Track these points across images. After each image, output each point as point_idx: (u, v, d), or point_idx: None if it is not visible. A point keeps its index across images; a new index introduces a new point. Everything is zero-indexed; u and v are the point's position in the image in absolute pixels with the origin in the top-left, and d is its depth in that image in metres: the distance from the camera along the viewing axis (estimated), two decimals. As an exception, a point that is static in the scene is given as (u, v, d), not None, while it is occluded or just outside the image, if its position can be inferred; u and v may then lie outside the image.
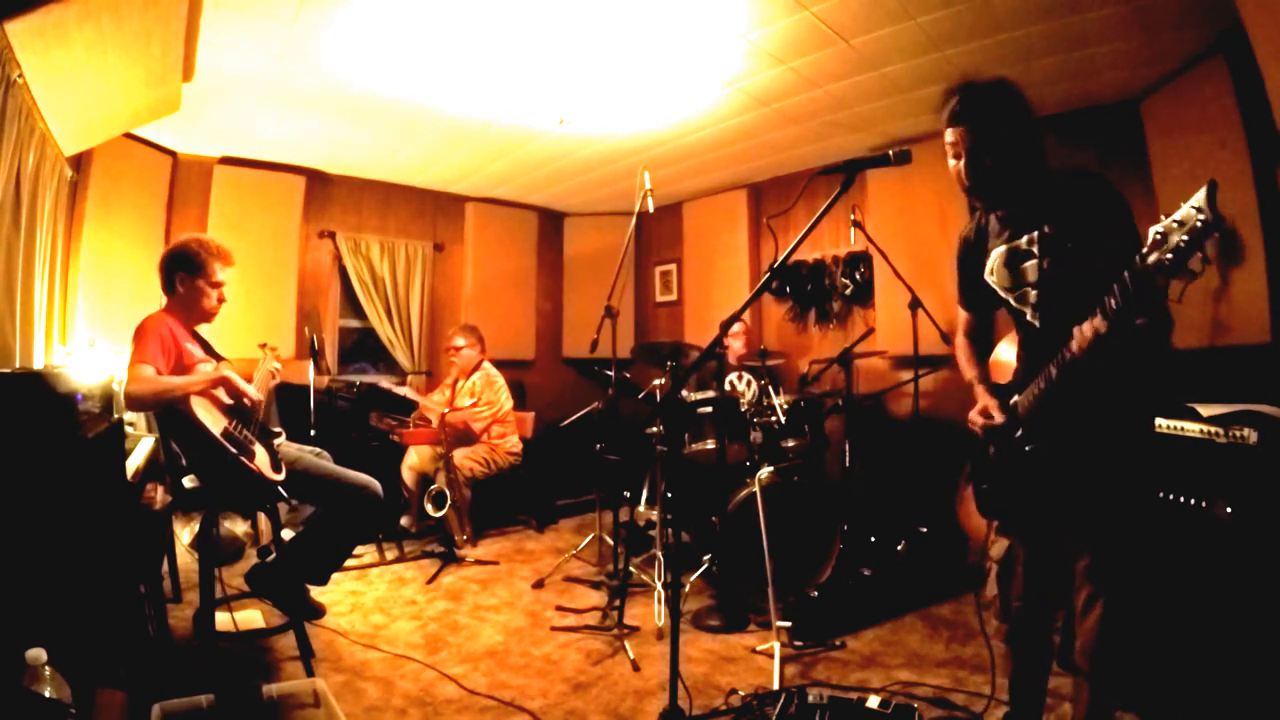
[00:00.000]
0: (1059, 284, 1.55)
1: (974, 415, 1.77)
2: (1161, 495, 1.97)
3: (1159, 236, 1.21)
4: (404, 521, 4.18)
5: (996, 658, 1.95)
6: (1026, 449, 1.63)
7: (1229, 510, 1.80)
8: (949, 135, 1.61)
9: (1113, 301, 1.31)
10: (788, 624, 2.62)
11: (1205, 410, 1.93)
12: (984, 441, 1.77)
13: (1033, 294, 1.62)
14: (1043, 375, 1.54)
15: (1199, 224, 1.15)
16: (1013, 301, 1.68)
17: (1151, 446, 1.77)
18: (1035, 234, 1.59)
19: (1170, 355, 1.52)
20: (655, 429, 3.34)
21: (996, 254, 1.68)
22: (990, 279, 1.72)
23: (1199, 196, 1.16)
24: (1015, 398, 1.67)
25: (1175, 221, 1.18)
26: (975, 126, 1.56)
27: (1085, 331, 1.37)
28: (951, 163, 1.63)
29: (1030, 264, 1.61)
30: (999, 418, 1.68)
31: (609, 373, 3.46)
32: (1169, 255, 1.19)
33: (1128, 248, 1.31)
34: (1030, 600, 1.76)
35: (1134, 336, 1.37)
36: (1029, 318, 1.65)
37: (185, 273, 2.44)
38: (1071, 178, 1.57)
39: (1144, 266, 1.23)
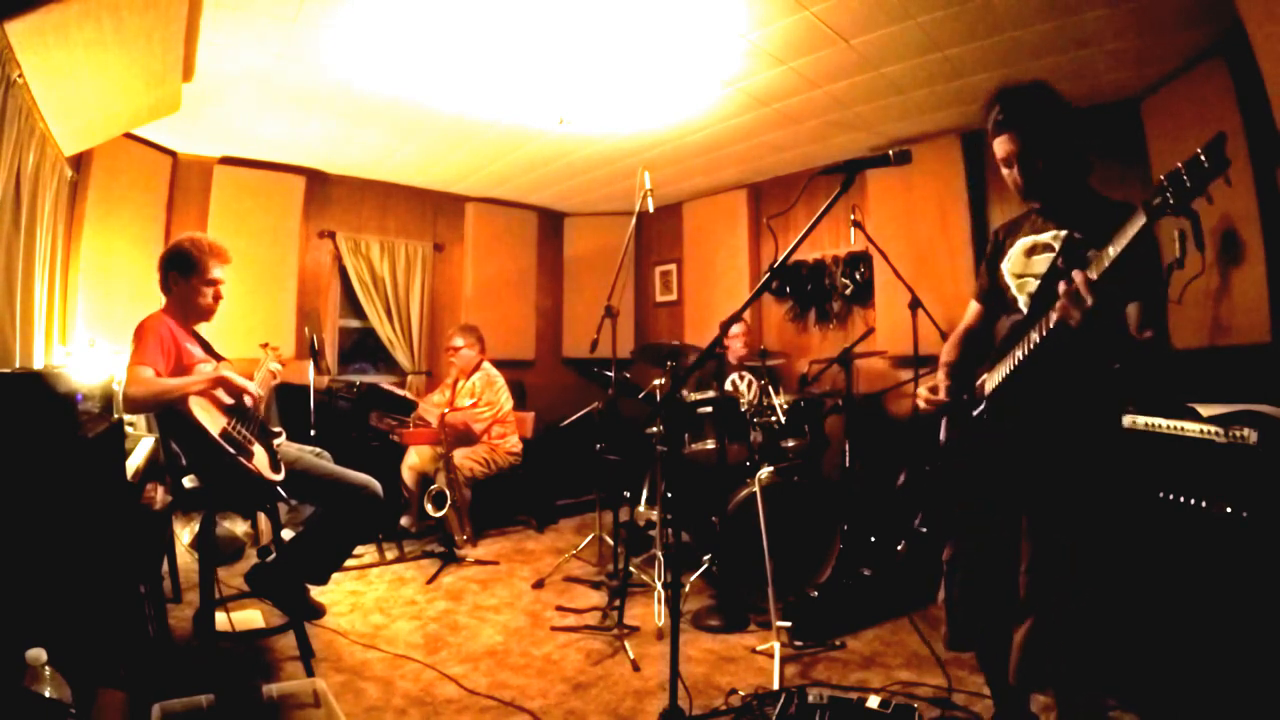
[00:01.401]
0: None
1: (921, 390, 1.79)
2: (1162, 495, 1.97)
3: (1163, 181, 1.20)
4: (404, 521, 4.18)
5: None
6: (984, 433, 1.64)
7: (1228, 510, 1.80)
8: (998, 145, 1.62)
9: (1112, 249, 1.30)
10: (788, 624, 2.62)
11: (1205, 410, 1.93)
12: (934, 421, 1.79)
13: (1033, 284, 1.63)
14: (1021, 344, 1.54)
15: (1208, 167, 1.14)
16: (1012, 287, 1.70)
17: (1116, 451, 1.76)
18: (1062, 234, 1.60)
19: (1166, 357, 1.53)
20: (655, 429, 3.34)
21: (1020, 243, 1.71)
22: (1005, 264, 1.74)
23: (1212, 143, 1.15)
24: (982, 377, 1.67)
25: (1183, 165, 1.18)
26: (1023, 131, 1.57)
27: (1076, 279, 1.35)
28: (1005, 171, 1.64)
29: (1044, 258, 1.63)
30: (943, 395, 1.72)
31: (609, 373, 3.45)
32: (1173, 197, 1.18)
33: (1145, 279, 1.33)
34: (969, 604, 1.75)
35: (1133, 344, 1.37)
36: (1020, 304, 1.67)
37: (178, 272, 2.44)
38: (1118, 205, 1.58)
39: (1149, 210, 1.23)
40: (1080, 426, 1.57)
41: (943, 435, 1.79)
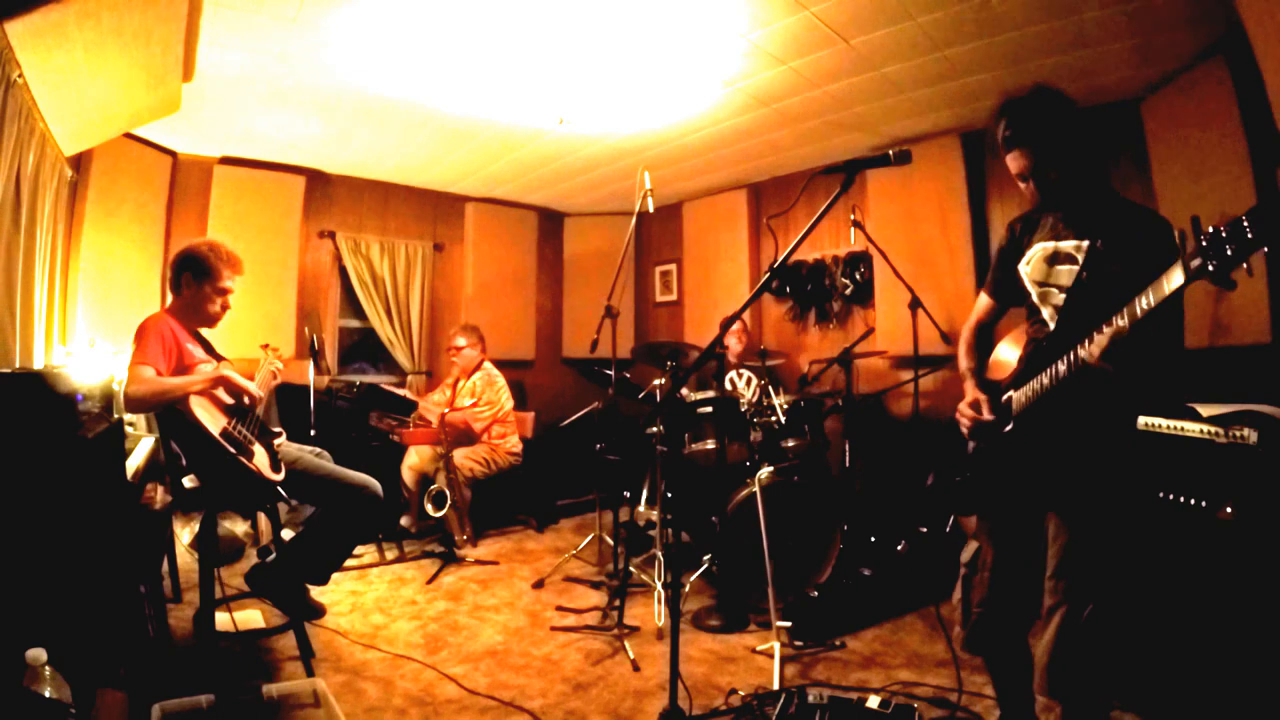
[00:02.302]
0: (1090, 299, 1.54)
1: (963, 408, 1.78)
2: (1162, 495, 1.97)
3: (1204, 242, 1.16)
4: (404, 521, 4.18)
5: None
6: (1013, 444, 1.64)
7: (1229, 510, 1.80)
8: (1010, 161, 1.62)
9: (1143, 301, 1.29)
10: (788, 624, 2.62)
11: (1205, 410, 1.93)
12: (967, 436, 1.78)
13: (1059, 297, 1.63)
14: (1048, 372, 1.55)
15: (1251, 237, 1.10)
16: (1034, 296, 1.69)
17: (1134, 454, 1.77)
18: (1085, 244, 1.59)
19: (1177, 360, 1.53)
20: (655, 429, 3.35)
21: (1040, 247, 1.70)
22: (1024, 267, 1.73)
23: (1258, 211, 1.11)
24: (1010, 393, 1.67)
25: (1226, 229, 1.14)
26: (1034, 145, 1.57)
27: (1104, 337, 1.37)
28: (1021, 185, 1.64)
29: (1068, 269, 1.62)
30: (988, 415, 1.70)
31: (609, 373, 3.46)
32: (1213, 264, 1.15)
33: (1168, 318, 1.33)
34: (992, 607, 1.75)
35: (1147, 354, 1.38)
36: (1045, 317, 1.66)
37: (192, 274, 2.43)
38: (1139, 210, 1.58)
39: (1188, 272, 1.20)
40: (1103, 429, 1.57)
41: (970, 445, 1.79)
